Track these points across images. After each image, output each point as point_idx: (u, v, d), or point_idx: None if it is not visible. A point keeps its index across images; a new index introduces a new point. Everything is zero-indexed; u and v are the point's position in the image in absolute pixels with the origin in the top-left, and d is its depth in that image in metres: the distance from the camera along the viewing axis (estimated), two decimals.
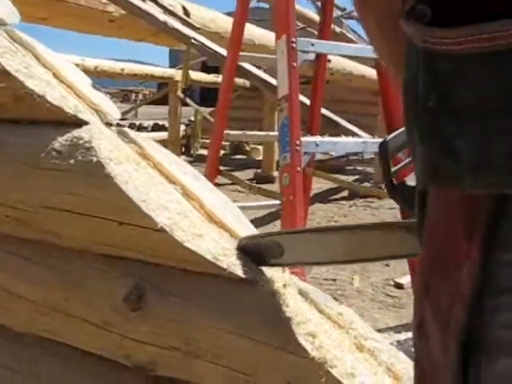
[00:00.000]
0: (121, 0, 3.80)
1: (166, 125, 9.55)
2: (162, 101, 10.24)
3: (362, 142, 2.53)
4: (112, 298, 0.99)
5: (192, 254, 0.91)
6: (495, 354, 0.51)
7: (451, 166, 0.45)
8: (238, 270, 0.92)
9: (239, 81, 8.33)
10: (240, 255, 0.94)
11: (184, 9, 4.40)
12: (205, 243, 0.92)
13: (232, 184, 5.95)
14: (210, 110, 9.71)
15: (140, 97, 21.71)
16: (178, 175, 1.03)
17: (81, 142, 0.99)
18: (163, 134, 8.90)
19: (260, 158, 8.97)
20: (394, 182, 0.81)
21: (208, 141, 3.69)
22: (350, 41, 7.97)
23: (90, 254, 1.04)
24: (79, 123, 1.03)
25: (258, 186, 3.40)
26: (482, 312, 0.51)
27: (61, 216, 1.02)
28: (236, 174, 6.19)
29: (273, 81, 3.31)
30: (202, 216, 0.98)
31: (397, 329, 2.80)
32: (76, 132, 1.01)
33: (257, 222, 4.44)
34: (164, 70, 9.40)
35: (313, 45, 2.42)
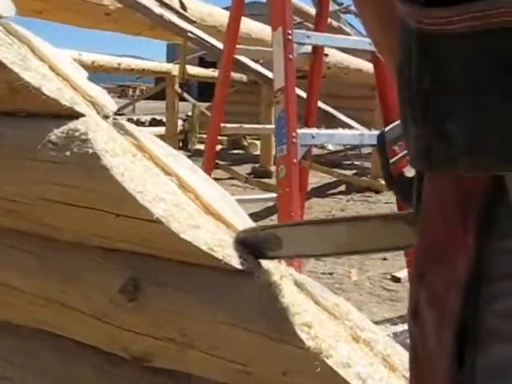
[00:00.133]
0: None
1: (164, 120, 9.54)
2: (159, 96, 10.23)
3: (358, 134, 2.53)
4: (108, 289, 0.99)
5: (188, 245, 0.91)
6: (490, 343, 0.51)
7: (444, 150, 0.45)
8: (234, 261, 0.92)
9: (237, 75, 8.31)
10: (236, 247, 0.94)
11: (181, 2, 4.38)
12: (201, 234, 0.92)
13: (230, 179, 5.96)
14: (207, 104, 9.70)
15: (137, 92, 21.66)
16: (174, 167, 1.03)
17: (77, 134, 0.99)
18: (161, 129, 8.89)
19: (258, 152, 8.96)
20: (392, 173, 0.81)
21: (206, 135, 3.69)
22: (348, 35, 7.95)
23: (87, 246, 1.04)
24: (75, 115, 1.03)
25: (255, 179, 3.40)
26: (478, 300, 0.51)
27: (57, 208, 1.02)
28: (234, 168, 6.19)
29: (270, 74, 3.31)
30: (198, 207, 0.98)
31: (393, 321, 2.80)
32: (72, 124, 1.01)
33: (254, 216, 4.44)
34: (161, 65, 9.39)
35: (309, 37, 2.42)
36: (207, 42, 3.73)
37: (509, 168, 0.44)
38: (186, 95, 9.00)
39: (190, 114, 9.88)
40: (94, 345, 1.07)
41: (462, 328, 0.52)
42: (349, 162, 9.04)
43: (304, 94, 2.87)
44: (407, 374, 0.68)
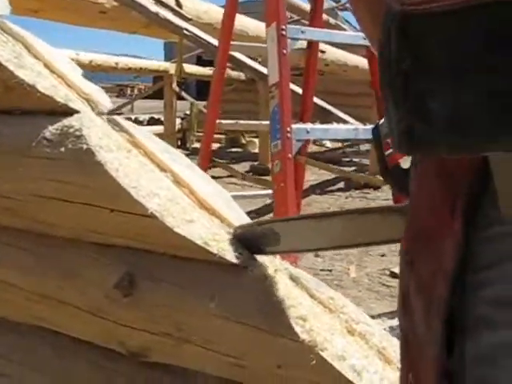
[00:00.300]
0: None
1: (162, 119, 9.53)
2: (158, 95, 10.21)
3: (353, 128, 2.53)
4: (104, 285, 0.99)
5: (182, 239, 0.91)
6: (479, 330, 0.51)
7: (426, 131, 0.45)
8: (229, 255, 0.92)
9: (234, 74, 8.30)
10: (231, 241, 0.95)
11: (176, 0, 4.38)
12: (195, 229, 0.93)
13: (228, 177, 5.96)
14: (205, 103, 9.67)
15: (136, 91, 21.61)
16: (169, 163, 1.04)
17: (71, 130, 0.99)
18: (159, 128, 8.87)
19: (256, 150, 8.95)
20: (388, 165, 0.81)
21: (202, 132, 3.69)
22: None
23: (83, 242, 1.05)
24: (70, 112, 1.04)
25: (252, 176, 3.39)
26: (465, 288, 0.52)
27: (52, 204, 1.02)
28: (232, 166, 6.18)
29: (266, 71, 3.31)
30: (192, 202, 0.98)
31: (390, 315, 2.80)
32: (66, 121, 1.02)
33: (254, 214, 4.44)
34: (159, 64, 9.36)
35: (303, 32, 2.42)
36: (203, 39, 3.72)
37: (490, 147, 0.44)
38: (184, 94, 8.97)
39: (188, 112, 9.87)
40: (90, 340, 1.07)
41: (450, 315, 0.52)
42: (347, 159, 9.03)
43: (301, 91, 2.87)
44: None
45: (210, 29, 4.41)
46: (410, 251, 0.58)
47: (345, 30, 8.40)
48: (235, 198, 1.15)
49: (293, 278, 0.97)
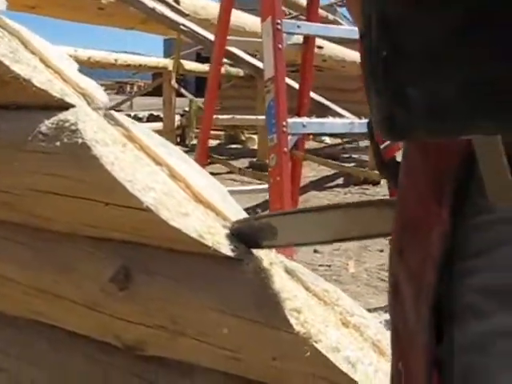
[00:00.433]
0: None
1: (162, 115, 9.51)
2: (157, 92, 10.20)
3: (349, 122, 2.53)
4: (99, 278, 1.00)
5: (177, 232, 0.91)
6: (467, 318, 0.52)
7: (406, 117, 0.45)
8: (224, 249, 0.92)
9: (233, 70, 8.29)
10: (226, 234, 0.95)
11: None
12: (190, 222, 0.93)
13: (228, 173, 5.96)
14: None
15: (135, 88, 21.59)
16: (165, 157, 1.04)
17: (67, 124, 0.99)
18: (158, 125, 8.86)
19: (255, 147, 8.95)
20: (384, 159, 0.81)
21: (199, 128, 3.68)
22: None
23: (78, 236, 1.05)
24: (65, 106, 1.04)
25: (251, 171, 3.39)
26: (452, 276, 0.52)
27: (48, 199, 1.03)
28: (232, 163, 6.18)
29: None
30: (188, 196, 0.99)
31: (386, 308, 2.81)
32: (62, 115, 1.02)
33: (253, 209, 4.45)
34: (158, 60, 9.34)
35: (299, 26, 2.42)
36: (200, 34, 3.71)
37: (468, 132, 0.44)
38: (183, 90, 8.97)
39: (187, 109, 9.86)
40: (86, 334, 1.08)
41: (438, 303, 0.52)
42: (347, 156, 9.03)
43: (298, 86, 2.87)
44: None
45: (208, 24, 4.40)
46: (399, 241, 0.59)
47: (344, 25, 8.41)
48: (233, 192, 1.15)
49: (288, 271, 0.98)
